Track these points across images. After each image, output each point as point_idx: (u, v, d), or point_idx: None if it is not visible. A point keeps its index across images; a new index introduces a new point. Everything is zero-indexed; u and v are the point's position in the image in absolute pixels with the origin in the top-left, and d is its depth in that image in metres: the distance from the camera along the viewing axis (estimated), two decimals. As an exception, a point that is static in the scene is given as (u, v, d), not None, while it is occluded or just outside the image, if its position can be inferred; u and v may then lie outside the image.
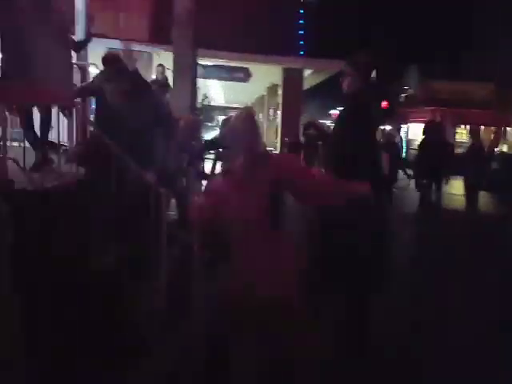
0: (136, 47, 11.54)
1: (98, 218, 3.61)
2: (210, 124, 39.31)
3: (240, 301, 2.06)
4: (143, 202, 3.75)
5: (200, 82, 18.28)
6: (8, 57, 2.97)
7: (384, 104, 19.69)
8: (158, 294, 3.58)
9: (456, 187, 9.46)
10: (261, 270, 2.05)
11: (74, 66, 4.44)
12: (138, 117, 3.95)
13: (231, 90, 22.97)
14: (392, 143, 8.93)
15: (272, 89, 16.91)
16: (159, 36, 10.92)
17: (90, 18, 5.56)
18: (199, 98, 7.97)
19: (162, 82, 6.52)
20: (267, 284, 2.03)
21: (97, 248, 3.54)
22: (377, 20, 30.16)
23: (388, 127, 15.08)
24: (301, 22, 12.31)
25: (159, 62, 7.65)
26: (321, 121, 14.30)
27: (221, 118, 40.67)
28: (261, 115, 23.01)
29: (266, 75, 15.16)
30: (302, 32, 12.30)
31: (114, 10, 11.49)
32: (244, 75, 12.76)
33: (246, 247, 2.09)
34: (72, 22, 5.06)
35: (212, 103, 32.62)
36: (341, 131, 3.12)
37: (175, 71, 6.38)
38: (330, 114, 34.90)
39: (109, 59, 4.16)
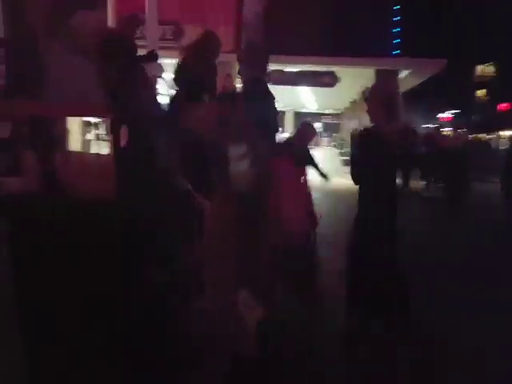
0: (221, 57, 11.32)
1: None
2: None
3: None
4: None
5: (289, 88, 17.84)
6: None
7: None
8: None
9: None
10: None
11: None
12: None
13: (323, 96, 22.15)
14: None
15: (365, 93, 15.76)
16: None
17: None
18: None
19: (231, 94, 5.97)
20: None
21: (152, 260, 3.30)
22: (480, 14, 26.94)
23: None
24: (396, 18, 11.06)
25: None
26: (427, 125, 12.80)
27: (314, 125, 40.20)
28: (354, 120, 21.86)
29: (357, 78, 14.12)
30: (398, 30, 11.04)
31: (197, 22, 11.38)
32: (330, 80, 11.85)
33: None
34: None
35: (303, 110, 32.03)
36: None
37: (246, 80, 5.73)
38: (437, 118, 32.26)
39: None
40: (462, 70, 28.73)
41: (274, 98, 3.87)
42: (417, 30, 10.18)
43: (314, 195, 5.08)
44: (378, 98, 3.55)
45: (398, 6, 10.77)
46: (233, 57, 5.65)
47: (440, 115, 32.54)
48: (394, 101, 4.17)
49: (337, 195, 10.98)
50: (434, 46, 10.86)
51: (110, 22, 4.51)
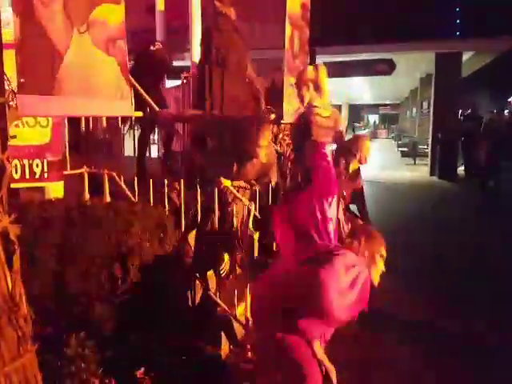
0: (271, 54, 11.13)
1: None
2: (357, 124, 37.66)
3: None
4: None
5: (342, 80, 17.30)
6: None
7: None
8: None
9: None
10: None
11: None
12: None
13: (380, 86, 21.33)
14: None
15: (426, 79, 14.89)
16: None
17: None
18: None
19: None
20: None
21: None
22: None
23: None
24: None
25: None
26: (495, 111, 11.84)
27: (371, 117, 39.00)
28: (414, 110, 20.85)
29: (417, 64, 13.36)
30: (458, 9, 10.27)
31: (246, 19, 11.26)
32: (387, 67, 11.27)
33: None
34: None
35: (360, 102, 31.10)
36: None
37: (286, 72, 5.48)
38: (509, 102, 29.95)
39: None
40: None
41: None
42: (475, 8, 9.30)
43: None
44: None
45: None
46: (281, 53, 5.48)
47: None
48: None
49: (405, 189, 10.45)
50: (497, 23, 9.92)
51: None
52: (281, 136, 5.46)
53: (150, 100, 3.04)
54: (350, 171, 4.04)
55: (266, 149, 3.23)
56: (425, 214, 7.61)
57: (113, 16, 2.37)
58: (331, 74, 12.17)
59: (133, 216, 2.60)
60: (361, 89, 22.49)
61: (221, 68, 3.98)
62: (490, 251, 5.60)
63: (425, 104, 16.10)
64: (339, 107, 31.92)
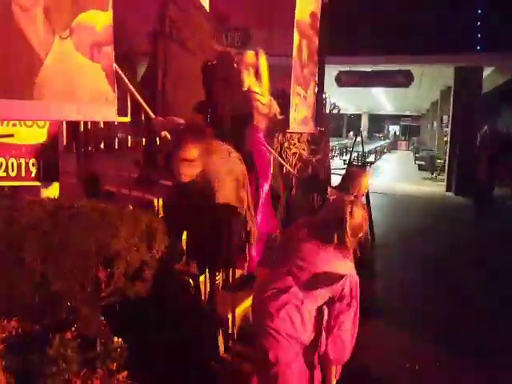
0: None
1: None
2: (377, 135, 37.32)
3: None
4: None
5: (364, 90, 17.19)
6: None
7: None
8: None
9: None
10: None
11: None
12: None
13: (402, 97, 21.15)
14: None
15: (446, 92, 14.71)
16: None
17: None
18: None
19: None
20: None
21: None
22: None
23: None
24: (478, 11, 10.14)
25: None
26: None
27: (391, 128, 38.61)
28: (435, 123, 20.57)
29: (437, 77, 13.19)
30: (480, 23, 10.09)
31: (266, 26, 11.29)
32: (405, 79, 11.15)
33: None
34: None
35: (382, 112, 30.84)
36: None
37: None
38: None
39: None
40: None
41: None
42: (499, 22, 9.10)
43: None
44: None
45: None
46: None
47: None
48: None
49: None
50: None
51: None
52: (286, 145, 5.43)
53: (145, 106, 3.05)
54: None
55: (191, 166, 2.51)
56: (428, 229, 7.54)
57: (99, 22, 2.37)
58: (350, 83, 12.12)
59: (120, 220, 2.61)
60: (382, 99, 22.32)
61: (177, 44, 3.70)
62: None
63: (445, 117, 15.85)
64: (359, 116, 31.75)
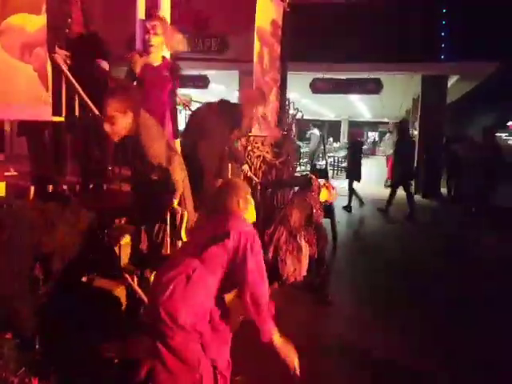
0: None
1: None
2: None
3: None
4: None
5: (343, 97, 17.53)
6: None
7: None
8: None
9: None
10: None
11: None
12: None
13: (378, 105, 21.62)
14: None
15: (417, 100, 15.19)
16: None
17: None
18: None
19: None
20: None
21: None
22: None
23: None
24: (443, 22, 10.62)
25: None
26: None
27: (370, 134, 39.21)
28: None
29: (409, 85, 13.63)
30: (443, 34, 10.57)
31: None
32: (375, 86, 11.58)
33: None
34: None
35: (361, 119, 31.38)
36: None
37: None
38: (507, 126, 29.94)
39: None
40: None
41: None
42: (463, 32, 9.55)
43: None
44: None
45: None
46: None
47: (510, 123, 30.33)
48: None
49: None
50: (486, 47, 10.20)
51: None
52: (250, 148, 5.69)
53: (91, 105, 3.18)
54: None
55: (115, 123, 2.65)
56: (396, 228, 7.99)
57: (30, 24, 2.41)
58: (325, 90, 12.45)
59: (58, 218, 2.69)
60: (360, 106, 22.79)
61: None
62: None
63: (416, 124, 16.34)
64: (339, 123, 32.22)
